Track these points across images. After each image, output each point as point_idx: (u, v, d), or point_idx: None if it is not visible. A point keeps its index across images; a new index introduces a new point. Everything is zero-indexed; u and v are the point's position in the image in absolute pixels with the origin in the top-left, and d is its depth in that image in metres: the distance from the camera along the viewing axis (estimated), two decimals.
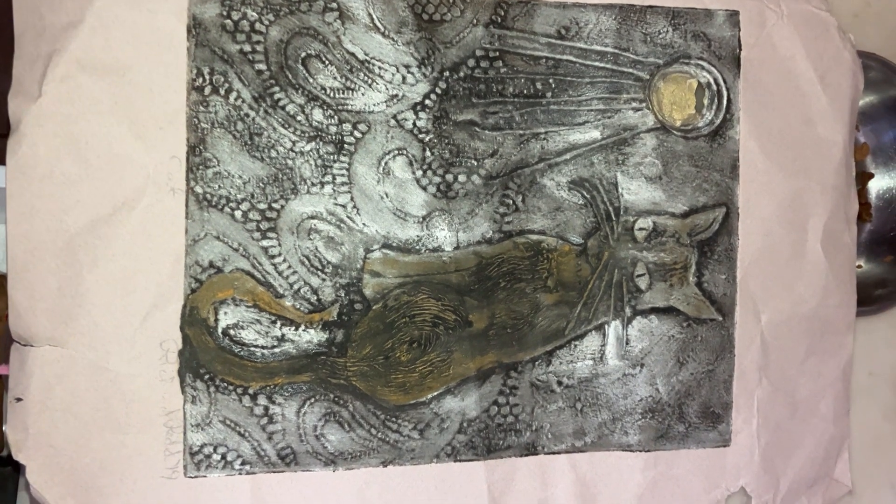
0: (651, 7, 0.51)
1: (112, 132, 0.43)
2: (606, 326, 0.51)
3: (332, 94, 0.46)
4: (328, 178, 0.46)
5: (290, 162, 0.46)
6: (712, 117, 0.52)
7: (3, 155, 0.42)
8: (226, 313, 0.45)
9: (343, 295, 0.47)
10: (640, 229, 0.51)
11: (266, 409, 0.45)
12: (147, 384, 0.44)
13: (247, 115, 0.45)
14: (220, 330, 0.45)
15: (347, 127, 0.46)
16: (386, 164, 0.47)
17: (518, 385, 0.50)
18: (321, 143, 0.46)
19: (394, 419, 0.48)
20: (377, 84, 0.47)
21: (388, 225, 0.47)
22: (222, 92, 0.45)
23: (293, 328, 0.46)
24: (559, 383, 0.50)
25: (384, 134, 0.47)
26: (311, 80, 0.46)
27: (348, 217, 0.47)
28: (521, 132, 0.49)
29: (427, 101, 0.48)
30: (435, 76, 0.48)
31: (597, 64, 0.50)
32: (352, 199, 0.47)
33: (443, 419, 0.48)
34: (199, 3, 0.44)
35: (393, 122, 0.47)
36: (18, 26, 0.42)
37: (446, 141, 0.48)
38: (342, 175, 0.46)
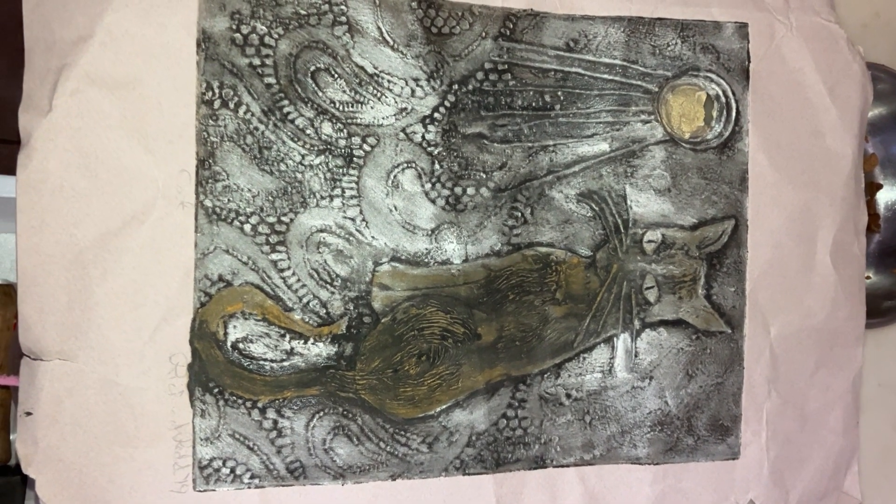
0: (660, 19, 0.51)
1: (122, 146, 0.43)
2: (615, 339, 0.51)
3: (341, 108, 0.46)
4: (337, 191, 0.46)
5: (299, 175, 0.46)
6: (721, 129, 0.52)
7: (14, 166, 0.42)
8: (235, 327, 0.45)
9: (352, 308, 0.47)
10: (649, 242, 0.51)
11: (275, 422, 0.45)
12: (156, 398, 0.44)
13: (256, 128, 0.45)
14: (229, 343, 0.45)
15: (356, 140, 0.46)
16: (395, 177, 0.47)
17: (527, 398, 0.49)
18: (330, 156, 0.46)
19: (402, 433, 0.47)
20: (386, 97, 0.47)
21: (396, 238, 0.47)
22: (232, 105, 0.45)
23: (302, 342, 0.46)
24: (568, 396, 0.50)
25: (393, 147, 0.47)
26: (320, 94, 0.46)
27: (357, 230, 0.47)
28: (530, 145, 0.49)
29: (436, 115, 0.48)
30: (444, 89, 0.48)
31: (605, 76, 0.50)
32: (361, 212, 0.47)
33: (451, 432, 0.48)
34: (209, 17, 0.44)
35: (402, 135, 0.47)
36: (29, 41, 0.42)
37: (455, 154, 0.48)
38: (351, 188, 0.46)
